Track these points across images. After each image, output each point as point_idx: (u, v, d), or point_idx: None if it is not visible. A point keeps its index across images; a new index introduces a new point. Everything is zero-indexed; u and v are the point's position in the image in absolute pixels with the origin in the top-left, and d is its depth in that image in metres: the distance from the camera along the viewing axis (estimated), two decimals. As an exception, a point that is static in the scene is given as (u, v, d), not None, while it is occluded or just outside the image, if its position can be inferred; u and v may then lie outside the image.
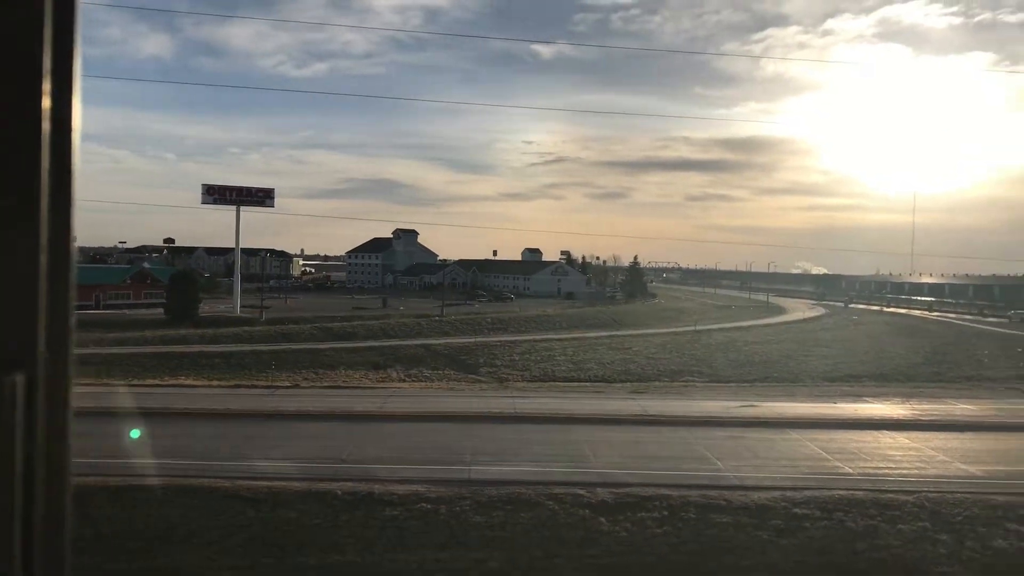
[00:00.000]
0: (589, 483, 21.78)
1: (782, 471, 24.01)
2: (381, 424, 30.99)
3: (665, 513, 19.69)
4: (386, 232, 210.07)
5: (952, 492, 21.61)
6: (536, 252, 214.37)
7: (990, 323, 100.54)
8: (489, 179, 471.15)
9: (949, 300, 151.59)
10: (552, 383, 50.89)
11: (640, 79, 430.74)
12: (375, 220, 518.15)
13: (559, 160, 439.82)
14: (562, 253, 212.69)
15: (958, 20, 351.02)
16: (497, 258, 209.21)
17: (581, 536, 18.77)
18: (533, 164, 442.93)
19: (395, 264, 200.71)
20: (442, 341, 72.70)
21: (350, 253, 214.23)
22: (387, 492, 20.61)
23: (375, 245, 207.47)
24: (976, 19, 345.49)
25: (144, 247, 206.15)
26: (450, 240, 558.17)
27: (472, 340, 73.30)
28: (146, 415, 27.84)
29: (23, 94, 1.11)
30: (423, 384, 48.93)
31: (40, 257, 1.12)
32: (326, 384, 44.62)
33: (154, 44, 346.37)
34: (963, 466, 25.14)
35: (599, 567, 17.77)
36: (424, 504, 19.95)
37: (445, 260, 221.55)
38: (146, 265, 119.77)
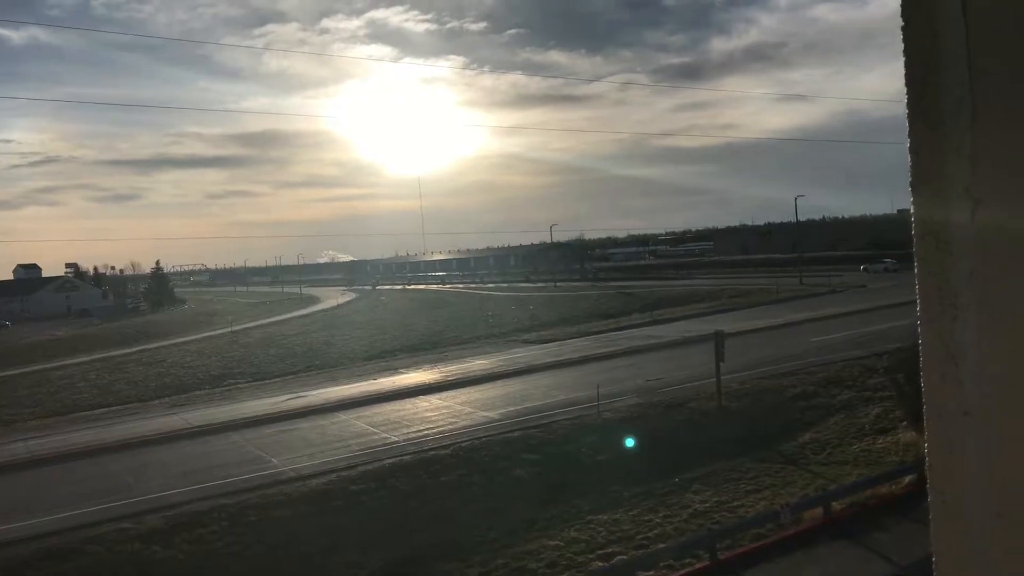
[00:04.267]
0: (135, 513, 19.86)
1: (335, 453, 24.96)
2: None
3: (225, 524, 19.00)
4: None
5: (479, 438, 24.97)
6: (33, 268, 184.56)
7: (489, 288, 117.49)
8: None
9: (456, 273, 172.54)
10: (75, 414, 44.71)
11: (138, 72, 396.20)
12: None
13: (49, 161, 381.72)
14: (68, 266, 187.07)
15: (433, 26, 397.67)
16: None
17: (134, 572, 17.10)
18: (15, 166, 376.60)
19: None
20: (-88, 390, 58.33)
21: None
22: None
23: None
24: (447, 26, 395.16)
25: None
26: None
27: (-44, 382, 60.27)
28: None
29: None
30: None
31: None
32: None
33: None
34: (484, 413, 29.18)
35: (159, 600, 16.45)
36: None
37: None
38: None
